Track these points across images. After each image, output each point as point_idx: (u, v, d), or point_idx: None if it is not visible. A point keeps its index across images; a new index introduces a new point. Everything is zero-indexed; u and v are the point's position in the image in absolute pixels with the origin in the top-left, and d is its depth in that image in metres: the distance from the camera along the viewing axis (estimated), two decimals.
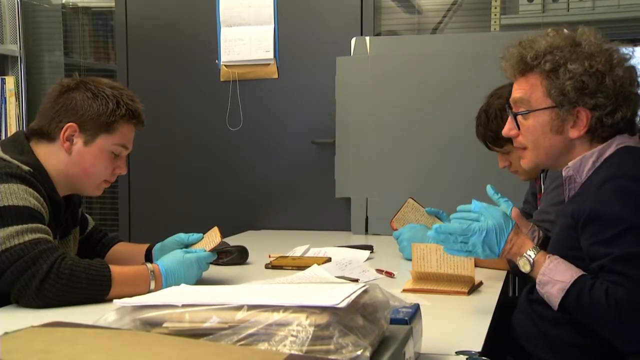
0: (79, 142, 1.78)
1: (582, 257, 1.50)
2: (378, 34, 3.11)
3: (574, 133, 1.58)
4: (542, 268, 1.49)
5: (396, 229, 2.33)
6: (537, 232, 1.95)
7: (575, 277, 1.44)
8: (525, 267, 1.53)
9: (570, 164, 1.60)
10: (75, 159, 1.78)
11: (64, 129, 1.76)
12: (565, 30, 1.61)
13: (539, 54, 1.57)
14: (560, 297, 1.44)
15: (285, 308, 0.91)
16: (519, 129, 1.65)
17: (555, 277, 1.46)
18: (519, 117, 1.64)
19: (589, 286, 1.41)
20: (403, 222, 2.36)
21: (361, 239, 2.82)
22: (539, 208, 2.14)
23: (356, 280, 1.83)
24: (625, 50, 1.60)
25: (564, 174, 1.63)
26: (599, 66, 1.53)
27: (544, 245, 1.87)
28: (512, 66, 1.63)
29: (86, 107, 1.77)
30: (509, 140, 1.99)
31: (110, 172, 1.84)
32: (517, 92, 1.65)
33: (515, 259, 1.54)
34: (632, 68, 1.59)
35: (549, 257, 1.51)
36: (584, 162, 1.58)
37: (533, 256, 1.52)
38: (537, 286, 1.52)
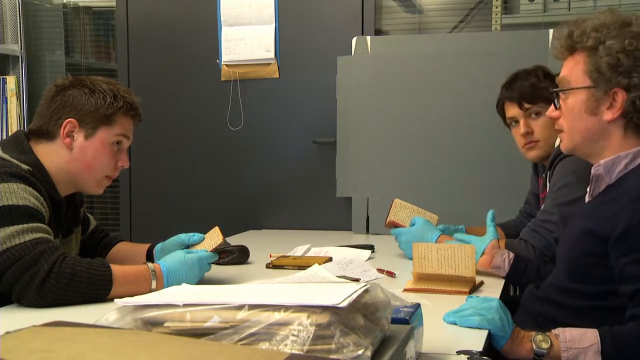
0: (79, 137, 1.78)
1: (595, 263, 1.46)
2: (379, 34, 3.11)
3: (608, 115, 1.51)
4: (561, 345, 1.35)
5: (395, 224, 2.30)
6: (506, 255, 1.89)
7: (596, 333, 1.35)
8: (543, 344, 1.36)
9: (602, 162, 1.54)
10: (77, 155, 1.78)
11: (64, 125, 1.76)
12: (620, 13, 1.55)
13: (585, 32, 1.53)
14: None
15: (286, 307, 0.91)
16: (557, 109, 1.60)
17: (582, 345, 1.35)
18: (561, 99, 1.59)
19: (617, 331, 1.34)
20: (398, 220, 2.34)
21: (362, 239, 2.82)
22: (542, 207, 2.12)
23: (357, 280, 1.82)
24: None
25: (593, 171, 1.57)
26: None
27: (515, 263, 1.86)
28: (561, 45, 1.59)
29: (84, 102, 1.77)
30: (544, 100, 2.01)
31: (112, 166, 1.83)
32: (562, 72, 1.60)
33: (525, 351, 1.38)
34: None
35: (556, 335, 1.37)
36: (616, 162, 1.52)
37: (541, 337, 1.37)
38: None
